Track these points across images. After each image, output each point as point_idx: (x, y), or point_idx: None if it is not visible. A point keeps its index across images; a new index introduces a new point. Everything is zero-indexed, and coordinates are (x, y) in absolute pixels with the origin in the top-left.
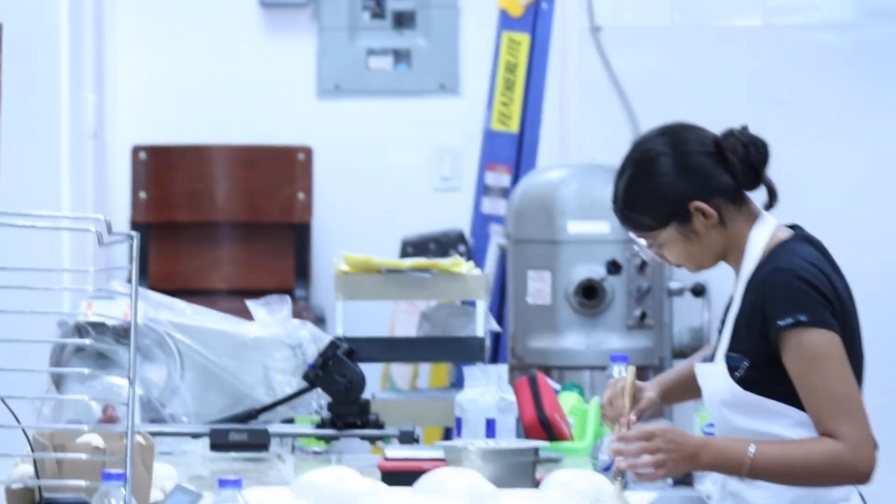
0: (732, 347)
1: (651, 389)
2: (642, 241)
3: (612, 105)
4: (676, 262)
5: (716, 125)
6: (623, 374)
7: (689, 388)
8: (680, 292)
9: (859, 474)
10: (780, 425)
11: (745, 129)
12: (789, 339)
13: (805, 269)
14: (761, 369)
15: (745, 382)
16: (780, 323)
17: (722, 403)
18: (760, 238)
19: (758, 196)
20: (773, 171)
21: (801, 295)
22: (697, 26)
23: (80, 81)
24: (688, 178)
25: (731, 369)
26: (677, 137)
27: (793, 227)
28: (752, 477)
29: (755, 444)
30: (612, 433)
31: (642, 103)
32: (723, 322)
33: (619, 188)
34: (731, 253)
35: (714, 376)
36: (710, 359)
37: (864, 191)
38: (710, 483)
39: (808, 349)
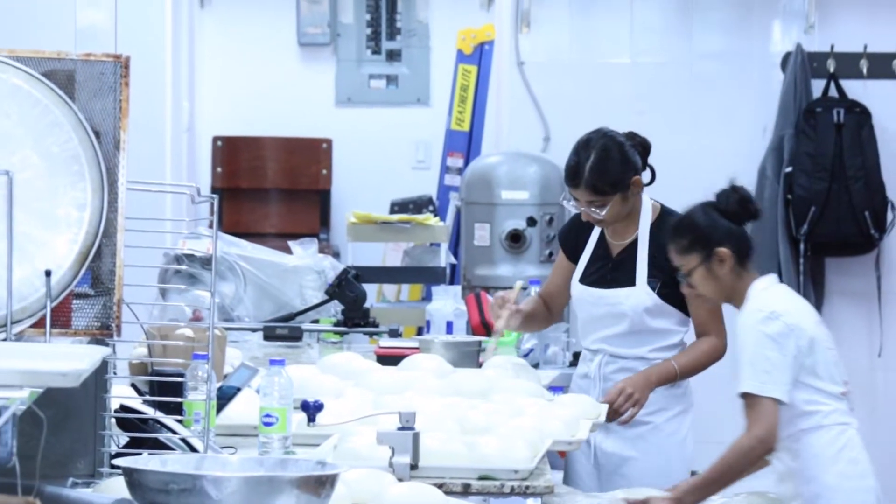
0: (651, 275)
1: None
2: (582, 204)
3: (530, 114)
4: (608, 219)
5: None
6: (534, 293)
7: (534, 321)
8: None
9: (723, 354)
10: (671, 323)
11: (632, 133)
12: None
13: None
14: (668, 287)
15: (660, 296)
16: None
17: (644, 311)
18: (647, 206)
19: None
20: None
21: None
22: (586, 62)
23: (179, 94)
24: (628, 162)
25: (652, 287)
26: (615, 137)
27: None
28: (682, 378)
29: (674, 360)
30: (496, 328)
31: (550, 113)
32: (600, 262)
33: (584, 167)
34: (631, 213)
35: (638, 293)
36: (599, 284)
37: (694, 169)
38: (589, 364)
39: None
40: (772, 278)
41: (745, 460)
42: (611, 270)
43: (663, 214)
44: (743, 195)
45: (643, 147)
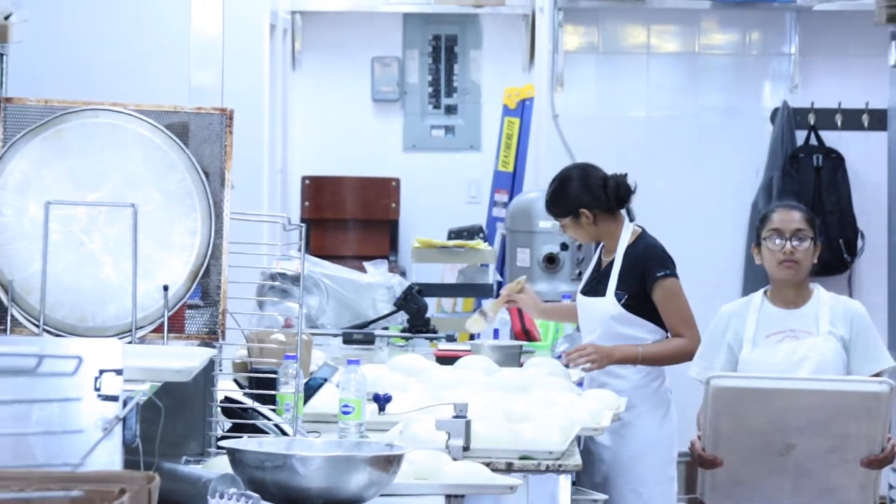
0: (619, 287)
1: (533, 295)
2: (557, 223)
3: (563, 158)
4: (573, 237)
5: (619, 170)
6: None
7: (561, 316)
8: None
9: (692, 354)
10: (641, 331)
11: (623, 175)
12: (661, 283)
13: (662, 246)
14: (635, 300)
15: (625, 307)
16: (658, 274)
17: (611, 318)
18: (626, 232)
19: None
20: (650, 195)
21: (665, 259)
22: (610, 116)
23: (274, 141)
24: (582, 195)
25: (618, 298)
26: (583, 171)
27: (639, 226)
28: (643, 363)
29: (641, 346)
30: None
31: (580, 157)
32: (593, 274)
33: (548, 193)
34: (604, 238)
35: (606, 302)
36: (587, 293)
37: (699, 204)
38: (580, 370)
39: (670, 288)
40: None
41: None
42: (596, 282)
43: (639, 238)
44: None
45: (618, 186)
